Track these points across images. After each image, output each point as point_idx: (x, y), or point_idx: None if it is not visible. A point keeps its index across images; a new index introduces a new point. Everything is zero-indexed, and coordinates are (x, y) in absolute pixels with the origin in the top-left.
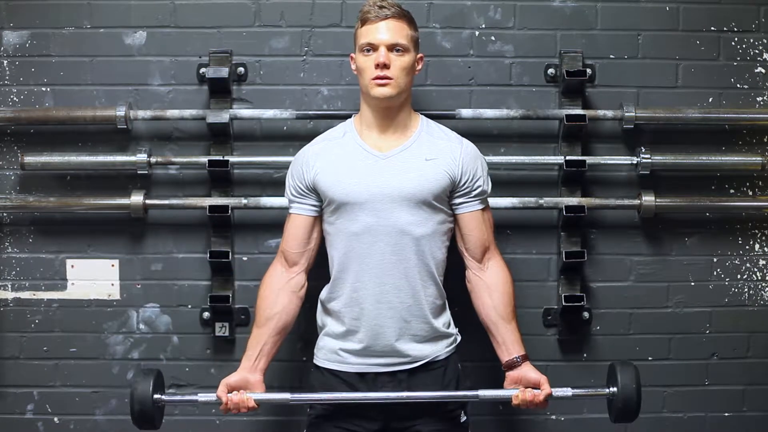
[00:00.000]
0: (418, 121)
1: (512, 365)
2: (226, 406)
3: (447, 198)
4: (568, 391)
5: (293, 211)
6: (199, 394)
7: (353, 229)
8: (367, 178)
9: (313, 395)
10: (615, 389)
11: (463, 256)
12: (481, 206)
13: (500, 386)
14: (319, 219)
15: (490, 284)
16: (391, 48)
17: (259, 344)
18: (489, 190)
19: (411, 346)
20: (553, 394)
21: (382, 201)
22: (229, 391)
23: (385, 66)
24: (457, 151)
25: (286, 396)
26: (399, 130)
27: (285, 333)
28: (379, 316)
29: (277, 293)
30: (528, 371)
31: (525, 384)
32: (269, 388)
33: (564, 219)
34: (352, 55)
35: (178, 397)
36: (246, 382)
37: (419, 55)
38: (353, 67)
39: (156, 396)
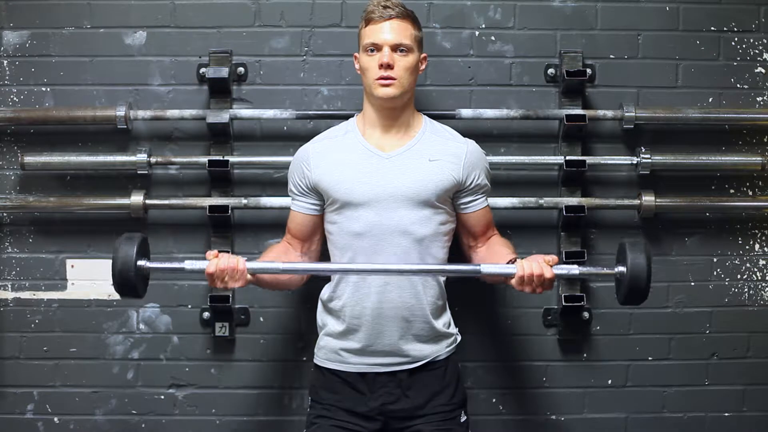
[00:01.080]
0: (421, 121)
1: (516, 261)
2: (216, 269)
3: (449, 199)
4: (574, 269)
5: (294, 208)
6: (185, 261)
7: (355, 229)
8: (370, 178)
9: (305, 265)
10: (623, 268)
11: (467, 247)
12: (485, 203)
13: (502, 386)
14: (320, 216)
15: (493, 242)
16: (395, 48)
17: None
18: (490, 186)
19: (412, 346)
20: (558, 271)
21: (384, 201)
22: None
23: (389, 66)
24: (462, 152)
25: (278, 266)
26: (402, 130)
27: (287, 284)
28: (380, 316)
29: (286, 253)
30: (532, 257)
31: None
32: (270, 388)
33: (564, 219)
34: (356, 54)
35: (164, 264)
36: (237, 260)
37: (423, 55)
38: (357, 66)
39: (140, 262)
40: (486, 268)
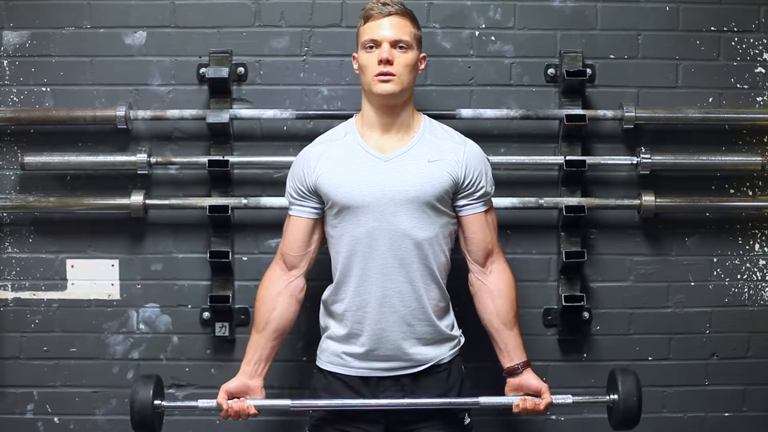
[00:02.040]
0: (420, 121)
1: (513, 372)
2: (227, 413)
3: (450, 200)
4: (568, 399)
5: (293, 213)
6: (199, 401)
7: (356, 233)
8: (370, 180)
9: (314, 401)
10: (616, 396)
11: (466, 259)
12: (484, 208)
13: (503, 387)
14: (320, 221)
15: (493, 289)
16: (395, 44)
17: (258, 349)
18: (492, 192)
19: (415, 349)
20: (554, 401)
21: (384, 204)
22: (230, 398)
23: (389, 62)
24: (461, 152)
25: (286, 402)
26: (402, 130)
27: (284, 336)
28: (382, 320)
29: (276, 297)
30: (529, 378)
31: (526, 391)
32: (270, 388)
33: (564, 219)
34: (354, 54)
35: (178, 403)
36: (246, 388)
37: (422, 55)
38: (355, 66)
39: (156, 402)
40: (485, 400)
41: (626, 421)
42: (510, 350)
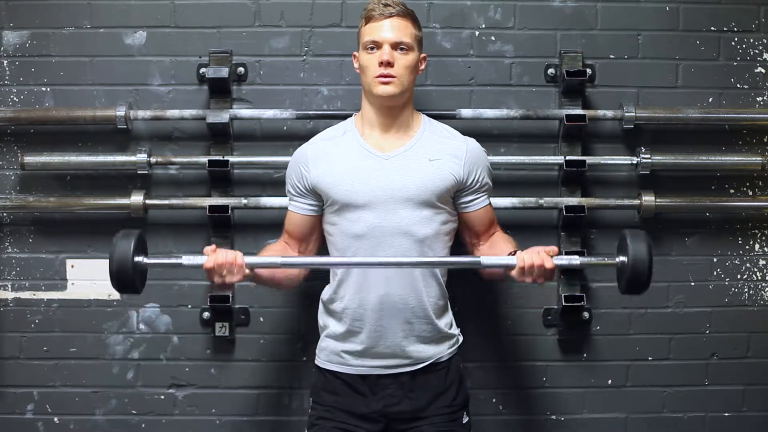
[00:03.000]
0: (420, 120)
1: (515, 252)
2: (214, 263)
3: (450, 198)
4: (575, 259)
5: (292, 209)
6: (183, 257)
7: (355, 231)
8: (370, 179)
9: (303, 259)
10: (625, 258)
11: (470, 245)
12: (488, 201)
13: (502, 387)
14: (318, 217)
15: (492, 239)
16: (395, 46)
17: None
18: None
19: (414, 347)
20: (558, 261)
21: (384, 202)
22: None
23: (389, 64)
24: (462, 151)
25: (277, 260)
26: (401, 129)
27: (286, 281)
28: (382, 318)
29: (284, 252)
30: (533, 248)
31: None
32: (270, 388)
33: (564, 219)
34: (355, 53)
35: (161, 260)
36: (235, 257)
37: (423, 55)
38: (356, 66)
39: (137, 258)
40: (486, 260)
41: (635, 283)
42: (512, 247)
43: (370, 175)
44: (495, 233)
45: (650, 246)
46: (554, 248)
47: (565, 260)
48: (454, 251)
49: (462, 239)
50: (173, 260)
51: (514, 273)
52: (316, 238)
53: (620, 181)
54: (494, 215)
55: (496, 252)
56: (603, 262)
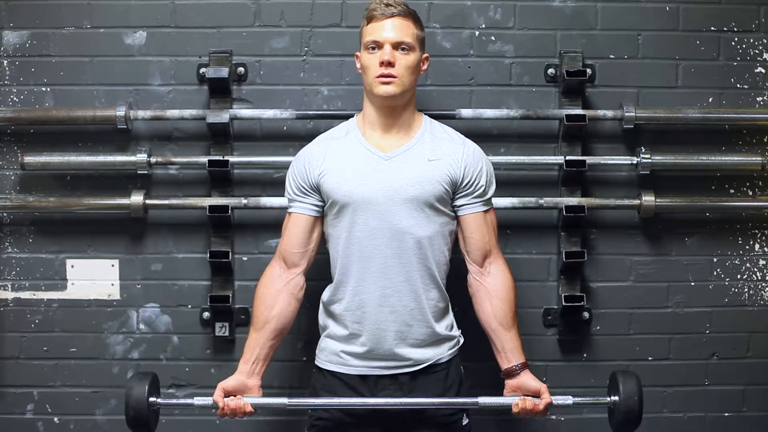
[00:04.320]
0: (421, 121)
1: (511, 373)
2: (223, 410)
3: (450, 200)
4: (568, 400)
5: (293, 210)
6: (195, 398)
7: (355, 231)
8: (370, 179)
9: (310, 400)
10: (617, 398)
11: (464, 259)
12: (483, 208)
13: (502, 387)
14: (320, 219)
15: (491, 290)
16: (397, 46)
17: (257, 348)
18: (492, 193)
19: (412, 350)
20: (554, 402)
21: (384, 203)
22: (226, 396)
23: (390, 64)
24: (460, 152)
25: (283, 401)
26: (402, 129)
27: (283, 335)
28: (381, 320)
29: (275, 295)
30: (528, 379)
31: (524, 392)
32: (269, 388)
33: (564, 219)
34: (357, 53)
35: (174, 401)
36: (244, 386)
37: (425, 55)
38: (358, 65)
39: (151, 399)
40: (484, 401)
41: (627, 423)
42: (507, 351)
43: (371, 175)
44: (497, 266)
45: (640, 386)
46: (547, 398)
47: (560, 401)
48: (454, 253)
49: (463, 260)
50: (186, 401)
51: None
52: (311, 251)
53: (620, 181)
54: (494, 233)
55: (490, 310)
56: (596, 401)
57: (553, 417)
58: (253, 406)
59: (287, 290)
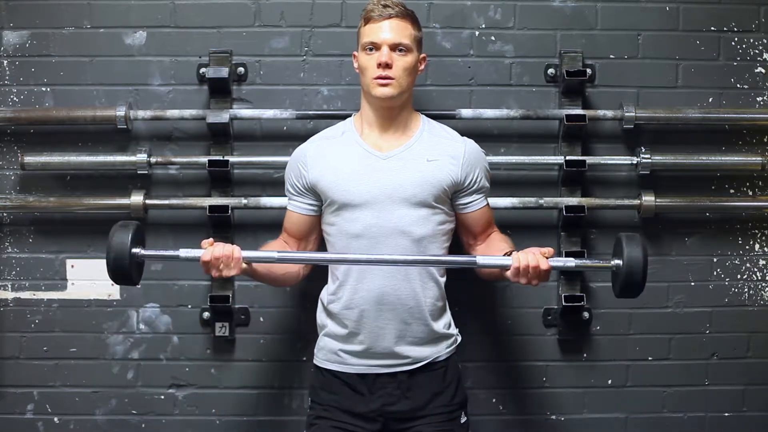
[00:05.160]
0: (419, 121)
1: (512, 253)
2: (211, 257)
3: (448, 199)
4: (570, 261)
5: (291, 208)
6: (181, 249)
7: (353, 231)
8: (368, 178)
9: (300, 254)
10: (620, 261)
11: (467, 246)
12: (486, 201)
13: (501, 387)
14: (316, 218)
15: (489, 239)
16: (394, 47)
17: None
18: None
19: (410, 348)
20: (554, 263)
21: (382, 202)
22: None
23: (388, 66)
24: (460, 151)
25: (273, 255)
26: (400, 129)
27: (285, 278)
28: (379, 319)
29: (282, 248)
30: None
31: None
32: (269, 388)
33: (564, 219)
34: (355, 53)
35: (158, 252)
36: (232, 250)
37: (422, 56)
38: (355, 65)
39: (134, 250)
40: (482, 260)
41: (630, 286)
42: (509, 247)
43: (368, 174)
44: (492, 233)
45: (645, 249)
46: (550, 249)
47: (560, 261)
48: (452, 252)
49: (460, 239)
50: (170, 253)
51: (509, 273)
52: (315, 239)
53: (620, 181)
54: (492, 216)
55: (493, 251)
56: (598, 264)
57: (553, 417)
58: (244, 259)
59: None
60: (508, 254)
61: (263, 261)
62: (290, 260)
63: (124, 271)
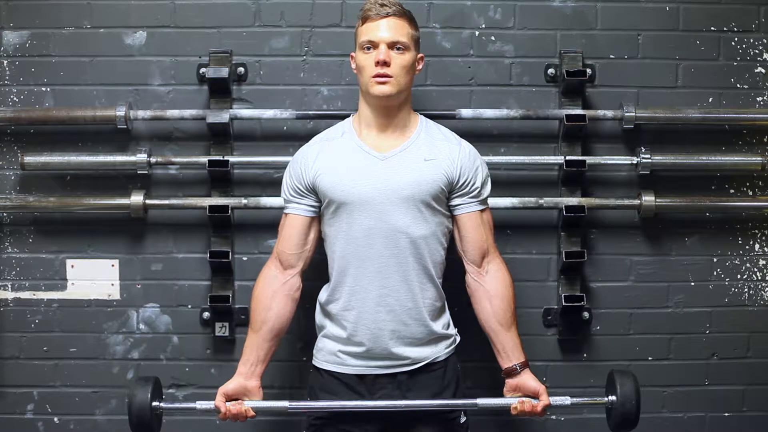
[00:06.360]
0: (417, 121)
1: (511, 372)
2: (225, 415)
3: (445, 199)
4: (566, 400)
5: (290, 211)
6: (197, 402)
7: (352, 231)
8: (366, 178)
9: (312, 403)
10: (614, 398)
11: (462, 259)
12: (479, 208)
13: (500, 387)
14: (316, 220)
15: (490, 290)
16: (392, 46)
17: (255, 349)
18: (488, 192)
19: (410, 349)
20: (552, 403)
21: (380, 202)
22: (227, 400)
23: (385, 64)
24: (456, 152)
25: (284, 404)
26: (398, 129)
27: (280, 336)
28: (377, 320)
29: (272, 296)
30: (527, 379)
31: (524, 392)
32: (268, 388)
33: (564, 219)
34: (353, 53)
35: (176, 405)
36: (244, 389)
37: (420, 55)
38: (353, 66)
39: (154, 403)
40: (483, 402)
41: (625, 422)
42: (508, 351)
43: (367, 175)
44: (495, 265)
45: (638, 386)
46: (545, 400)
47: (557, 401)
48: (450, 251)
49: (458, 254)
50: (187, 405)
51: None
52: (307, 252)
53: (620, 181)
54: (489, 232)
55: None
56: (594, 401)
57: (553, 417)
58: (254, 409)
59: (283, 291)
60: (510, 371)
61: (272, 410)
62: (299, 408)
63: (145, 426)
